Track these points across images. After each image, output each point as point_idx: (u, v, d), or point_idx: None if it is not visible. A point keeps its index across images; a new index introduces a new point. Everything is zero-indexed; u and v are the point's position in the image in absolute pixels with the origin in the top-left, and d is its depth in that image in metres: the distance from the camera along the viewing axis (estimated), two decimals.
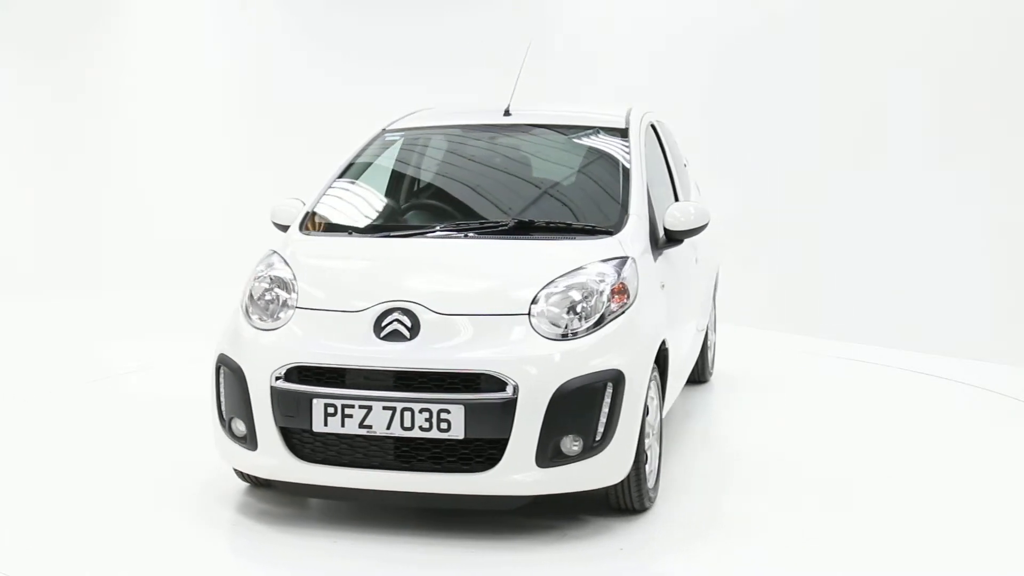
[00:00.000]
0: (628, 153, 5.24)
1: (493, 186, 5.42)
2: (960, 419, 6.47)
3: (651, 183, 5.34)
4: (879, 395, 6.99)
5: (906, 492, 5.03)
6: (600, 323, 4.29)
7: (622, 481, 4.38)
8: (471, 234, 4.81)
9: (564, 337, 4.23)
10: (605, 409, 4.17)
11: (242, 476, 4.80)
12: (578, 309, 4.29)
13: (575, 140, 5.56)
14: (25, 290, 10.48)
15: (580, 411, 4.15)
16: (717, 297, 7.21)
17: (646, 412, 4.49)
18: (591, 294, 4.33)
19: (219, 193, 11.76)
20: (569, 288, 4.33)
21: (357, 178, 5.43)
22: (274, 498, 4.73)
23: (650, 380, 4.49)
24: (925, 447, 5.82)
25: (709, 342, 6.96)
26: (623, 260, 4.53)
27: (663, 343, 4.73)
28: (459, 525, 4.42)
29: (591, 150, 5.49)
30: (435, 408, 4.09)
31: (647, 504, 4.57)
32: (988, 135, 8.12)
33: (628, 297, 4.42)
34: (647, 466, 4.53)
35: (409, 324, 4.26)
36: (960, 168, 8.28)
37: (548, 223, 4.86)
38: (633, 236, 4.75)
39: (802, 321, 8.87)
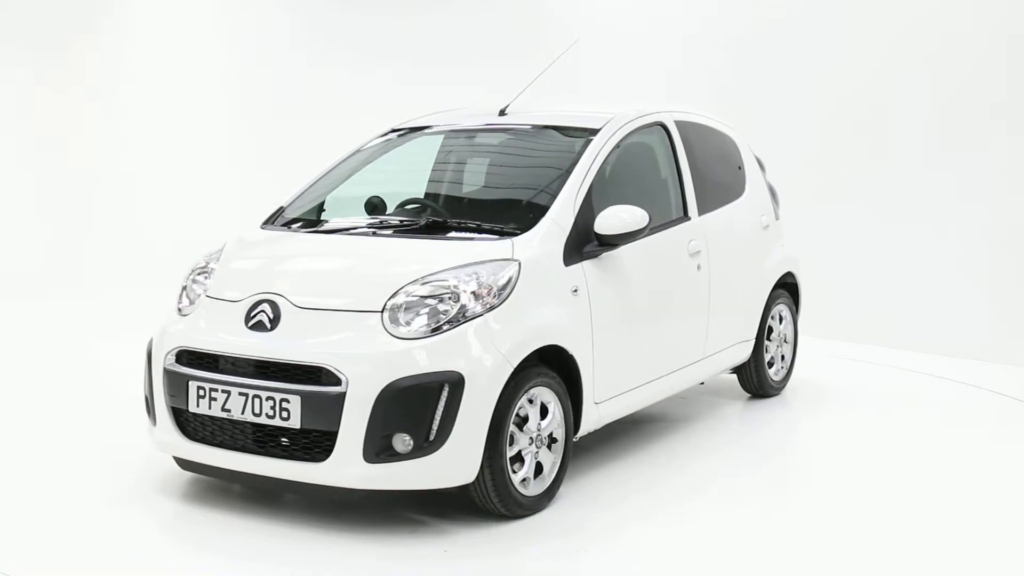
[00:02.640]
0: (579, 155, 5.12)
1: (441, 186, 5.50)
2: (960, 419, 6.32)
3: (616, 186, 5.24)
4: (878, 395, 6.82)
5: (901, 493, 4.96)
6: (451, 324, 4.29)
7: (479, 485, 4.36)
8: (380, 232, 4.92)
9: (413, 336, 4.26)
10: (440, 410, 4.18)
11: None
12: (428, 310, 4.31)
13: (543, 141, 5.51)
14: (25, 290, 10.46)
15: (411, 410, 4.17)
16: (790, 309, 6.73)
17: (523, 419, 4.46)
18: (445, 296, 4.34)
19: (222, 193, 11.71)
20: (425, 289, 4.36)
21: (337, 177, 5.60)
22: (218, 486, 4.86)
23: (528, 386, 4.44)
24: (923, 447, 5.70)
25: (772, 355, 6.52)
26: (500, 263, 4.50)
27: (563, 351, 4.63)
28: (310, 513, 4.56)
29: (551, 151, 5.42)
30: (278, 397, 4.26)
31: (516, 511, 4.48)
32: (988, 134, 7.92)
33: (495, 300, 4.39)
34: (518, 474, 4.46)
35: (272, 315, 4.44)
36: (960, 168, 8.08)
37: (459, 223, 4.90)
38: (537, 239, 4.68)
39: (801, 321, 8.86)
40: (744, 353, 6.28)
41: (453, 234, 4.81)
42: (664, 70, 9.76)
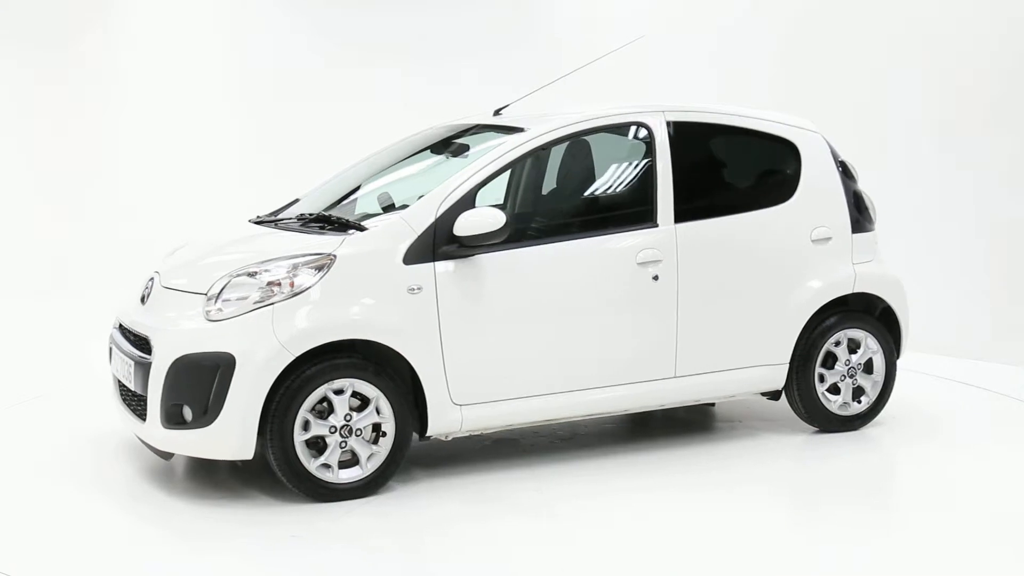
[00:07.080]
0: (479, 156, 5.13)
1: (380, 186, 5.60)
2: (960, 419, 6.17)
3: (532, 188, 5.42)
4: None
5: (898, 494, 4.98)
6: (247, 311, 4.63)
7: (270, 464, 4.66)
8: (282, 226, 5.34)
9: (218, 319, 4.66)
10: (214, 387, 4.54)
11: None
12: (236, 296, 4.68)
13: (482, 142, 5.44)
14: (24, 291, 10.44)
15: (193, 384, 4.59)
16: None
17: (327, 409, 4.66)
18: (253, 284, 4.68)
19: (225, 192, 11.62)
20: (231, 276, 4.73)
21: (335, 176, 5.94)
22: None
23: (331, 377, 4.65)
24: (923, 447, 5.65)
25: (833, 384, 5.74)
26: (314, 257, 4.74)
27: (393, 351, 4.75)
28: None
29: (479, 153, 5.28)
30: (130, 363, 4.87)
31: (316, 494, 4.71)
32: (989, 134, 7.56)
33: (292, 290, 4.65)
34: (321, 461, 4.68)
35: (148, 292, 5.12)
36: (961, 167, 7.77)
37: (338, 219, 5.15)
38: (373, 236, 4.84)
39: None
40: (774, 378, 5.61)
41: (329, 229, 5.07)
42: (731, 67, 9.51)
